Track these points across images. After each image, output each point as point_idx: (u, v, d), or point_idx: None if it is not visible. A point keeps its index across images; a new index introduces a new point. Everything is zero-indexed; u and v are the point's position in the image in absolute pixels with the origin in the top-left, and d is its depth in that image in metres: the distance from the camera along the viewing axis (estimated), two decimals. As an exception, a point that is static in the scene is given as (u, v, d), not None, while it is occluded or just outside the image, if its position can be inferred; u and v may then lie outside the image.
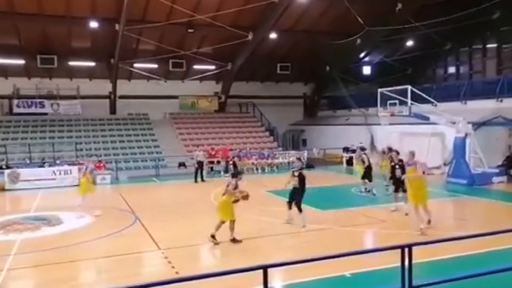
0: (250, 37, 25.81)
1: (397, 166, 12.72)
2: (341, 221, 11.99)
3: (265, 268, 4.61)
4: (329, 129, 30.42)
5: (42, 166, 21.82)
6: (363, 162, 16.16)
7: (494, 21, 23.96)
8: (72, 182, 20.71)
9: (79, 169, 14.22)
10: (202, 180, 21.09)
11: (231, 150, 25.98)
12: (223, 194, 10.24)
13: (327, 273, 7.40)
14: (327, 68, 31.54)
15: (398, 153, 13.36)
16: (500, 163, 19.45)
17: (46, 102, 27.88)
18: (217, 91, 32.63)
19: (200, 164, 21.22)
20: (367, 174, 15.97)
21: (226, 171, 23.25)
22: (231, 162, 22.78)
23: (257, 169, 24.92)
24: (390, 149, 15.64)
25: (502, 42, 25.71)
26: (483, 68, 27.13)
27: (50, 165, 21.70)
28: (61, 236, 11.34)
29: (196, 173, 21.11)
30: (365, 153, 16.78)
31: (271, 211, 13.07)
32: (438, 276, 5.94)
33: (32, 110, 27.52)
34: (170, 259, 8.98)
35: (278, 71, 31.08)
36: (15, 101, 27.41)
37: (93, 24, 23.30)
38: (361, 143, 21.54)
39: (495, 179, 18.08)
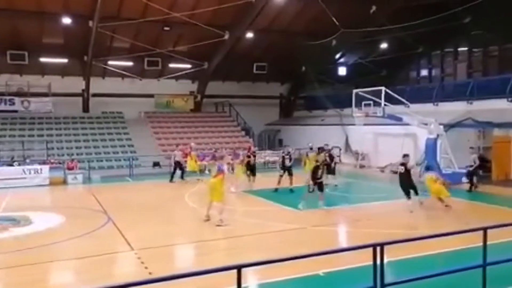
0: (226, 36, 25.77)
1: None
2: (316, 220, 12.07)
3: (239, 268, 4.60)
4: (305, 129, 30.59)
5: (11, 165, 21.20)
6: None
7: (465, 25, 24.58)
8: (43, 182, 20.29)
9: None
10: (182, 178, 20.74)
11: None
12: None
13: (302, 272, 7.44)
14: (303, 68, 31.76)
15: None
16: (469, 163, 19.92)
17: (16, 99, 27.06)
18: (193, 90, 32.43)
19: (177, 164, 20.91)
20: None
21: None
22: (245, 162, 19.15)
23: (232, 169, 24.62)
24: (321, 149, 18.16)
25: (473, 46, 26.46)
26: (454, 71, 27.84)
27: (19, 164, 21.13)
28: (30, 237, 11.04)
29: (173, 173, 20.79)
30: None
31: (245, 211, 13.06)
32: (410, 274, 6.04)
33: (2, 107, 26.62)
34: (144, 259, 8.86)
35: (255, 71, 31.09)
36: (-16, 98, 26.59)
37: (66, 20, 22.78)
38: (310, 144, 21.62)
39: (465, 179, 18.51)
